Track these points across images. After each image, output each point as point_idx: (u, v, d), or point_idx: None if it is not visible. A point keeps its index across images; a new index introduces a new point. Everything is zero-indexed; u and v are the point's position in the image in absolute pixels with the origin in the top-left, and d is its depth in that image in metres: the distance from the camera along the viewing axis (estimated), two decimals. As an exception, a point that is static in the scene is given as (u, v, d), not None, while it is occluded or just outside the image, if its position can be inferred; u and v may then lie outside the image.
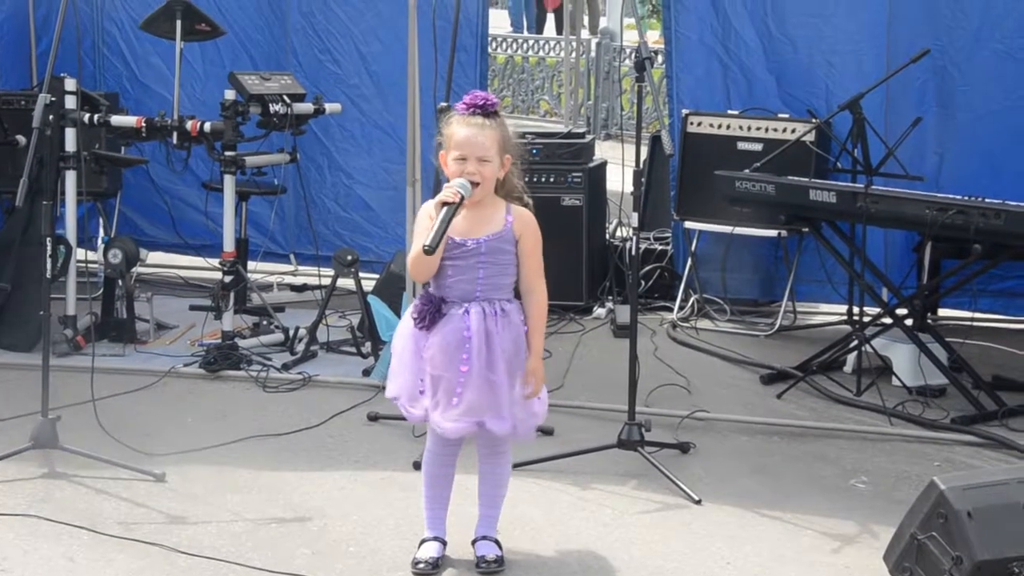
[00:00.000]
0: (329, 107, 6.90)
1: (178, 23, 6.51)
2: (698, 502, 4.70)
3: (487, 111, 3.98)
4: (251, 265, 7.31)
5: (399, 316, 5.26)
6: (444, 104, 5.49)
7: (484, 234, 4.00)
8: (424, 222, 3.97)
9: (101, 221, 7.70)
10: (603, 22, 15.80)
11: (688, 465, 5.07)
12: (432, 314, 3.99)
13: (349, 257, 6.47)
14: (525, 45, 16.06)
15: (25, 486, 4.74)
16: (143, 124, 6.41)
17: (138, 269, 6.82)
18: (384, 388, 4.29)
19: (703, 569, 4.20)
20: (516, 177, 4.09)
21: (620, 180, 7.57)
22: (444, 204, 3.87)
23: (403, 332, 4.11)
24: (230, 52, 7.73)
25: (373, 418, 5.49)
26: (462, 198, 3.88)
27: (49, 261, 4.99)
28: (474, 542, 4.19)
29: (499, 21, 17.32)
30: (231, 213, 6.43)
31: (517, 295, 4.10)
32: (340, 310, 6.97)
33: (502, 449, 4.17)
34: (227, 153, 6.38)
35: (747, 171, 6.28)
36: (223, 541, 4.32)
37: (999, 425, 5.54)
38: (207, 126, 6.36)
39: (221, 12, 7.52)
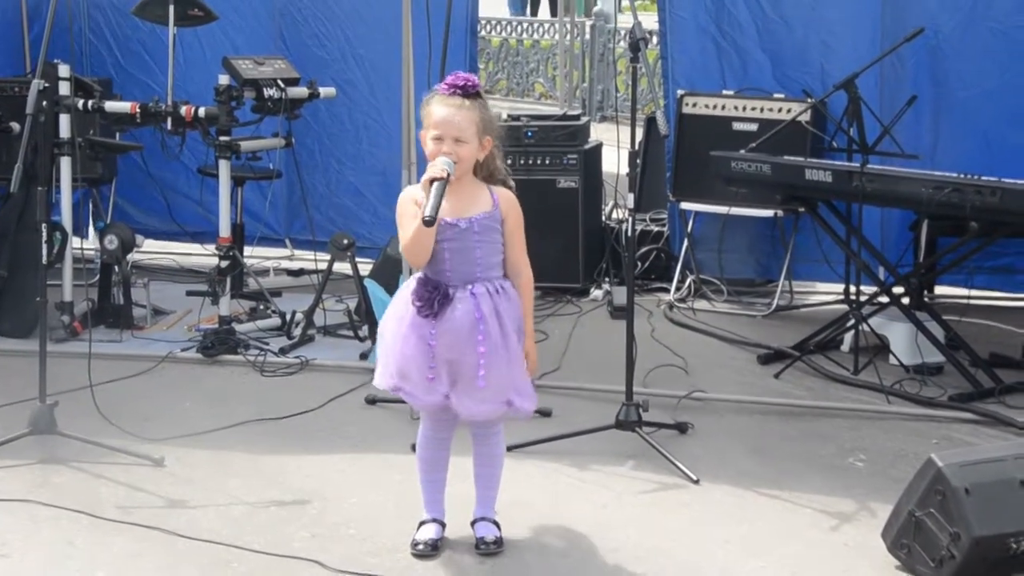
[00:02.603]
0: (323, 91, 6.88)
1: (171, 8, 6.49)
2: (696, 482, 4.71)
3: (467, 92, 3.97)
4: (247, 250, 7.30)
5: (396, 299, 5.24)
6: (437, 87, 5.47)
7: (474, 214, 4.00)
8: (409, 208, 3.96)
9: (93, 207, 7.68)
10: (597, 4, 15.77)
11: (686, 445, 5.08)
12: (440, 300, 3.97)
13: (345, 241, 6.46)
14: (520, 28, 16.04)
15: (23, 472, 4.74)
16: (137, 110, 6.39)
17: (134, 255, 6.81)
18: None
19: (701, 548, 4.21)
20: (498, 160, 4.09)
21: (616, 162, 7.58)
22: (434, 180, 3.88)
23: (398, 320, 4.05)
24: (210, 38, 7.65)
25: (371, 401, 5.49)
26: (448, 174, 3.89)
27: (45, 247, 4.99)
28: (473, 523, 4.20)
29: (496, 6, 17.28)
30: (226, 198, 6.42)
31: None
32: (337, 294, 6.96)
33: (495, 429, 4.18)
34: (222, 138, 6.37)
35: (743, 151, 6.27)
36: (222, 524, 4.33)
37: (996, 402, 5.55)
38: (202, 111, 6.34)
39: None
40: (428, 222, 3.83)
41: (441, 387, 3.99)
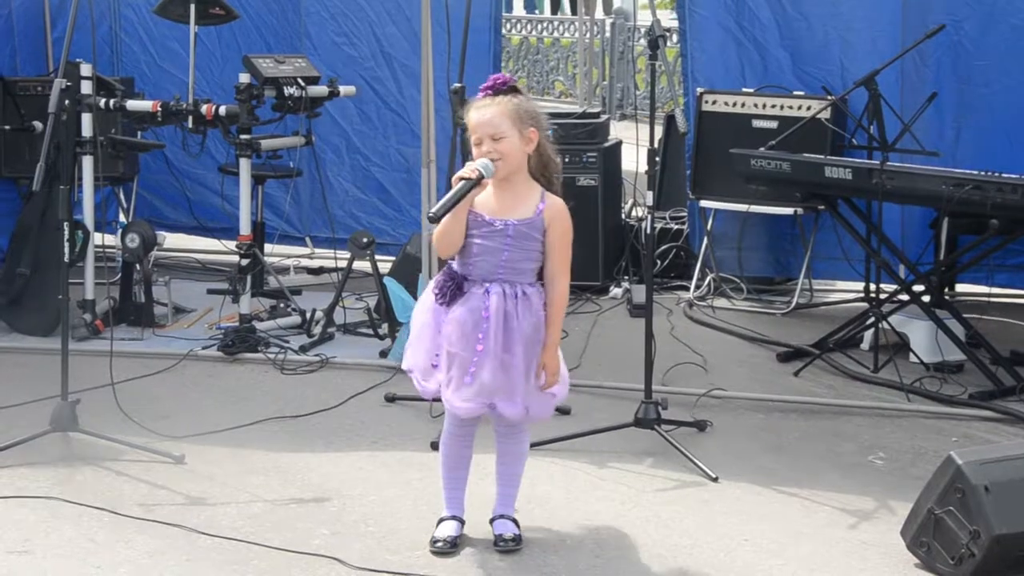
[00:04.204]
0: (343, 89, 6.90)
1: (192, 7, 6.52)
2: (715, 480, 4.71)
3: (497, 90, 3.98)
4: (267, 248, 7.34)
5: (415, 298, 5.27)
6: (457, 85, 5.49)
7: (513, 217, 3.99)
8: None
9: (119, 205, 7.73)
10: (617, 2, 15.77)
11: (705, 443, 5.08)
12: (453, 290, 3.99)
13: (365, 239, 6.48)
14: (540, 26, 16.04)
15: (45, 469, 4.77)
16: (159, 108, 6.42)
17: (156, 253, 6.84)
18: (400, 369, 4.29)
19: (720, 546, 4.21)
20: (549, 150, 4.03)
21: (635, 160, 7.57)
22: (462, 179, 3.89)
23: (424, 306, 4.11)
24: (245, 36, 7.75)
25: (390, 399, 5.51)
26: (480, 176, 3.90)
27: (67, 246, 5.01)
28: (492, 520, 4.21)
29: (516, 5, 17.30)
30: (247, 196, 6.45)
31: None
32: (357, 292, 6.98)
33: (519, 429, 4.18)
34: (242, 136, 6.39)
35: (762, 149, 6.26)
36: (242, 522, 4.35)
37: (1017, 400, 5.52)
38: (222, 110, 6.37)
39: (234, -5, 7.54)
40: (432, 218, 3.87)
41: (440, 376, 4.03)
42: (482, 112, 3.96)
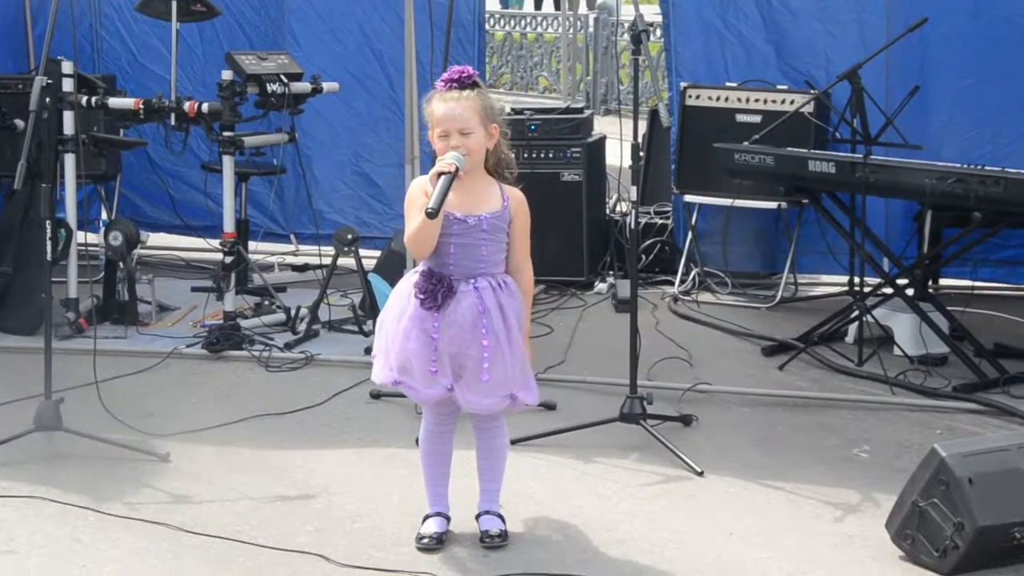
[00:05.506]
0: (327, 86, 6.88)
1: (173, 4, 6.49)
2: (701, 474, 4.71)
3: (464, 83, 3.98)
4: (252, 245, 7.32)
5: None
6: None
7: (484, 212, 4.00)
8: (418, 199, 3.96)
9: (102, 203, 7.71)
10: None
11: (690, 437, 5.08)
12: (443, 293, 3.97)
13: (349, 236, 6.47)
14: (523, 21, 16.04)
15: (30, 468, 4.75)
16: (141, 106, 6.40)
17: (139, 251, 6.82)
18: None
19: (706, 540, 4.21)
20: (504, 147, 4.08)
21: (619, 155, 7.57)
22: (441, 174, 3.88)
23: (399, 314, 4.04)
24: (228, 33, 7.74)
25: (375, 396, 5.50)
26: (457, 169, 3.89)
27: (49, 244, 4.99)
28: (477, 516, 4.21)
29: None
30: (231, 194, 6.43)
31: None
32: (341, 289, 6.97)
33: (497, 422, 4.18)
34: (225, 134, 6.37)
35: (746, 143, 6.27)
36: (228, 519, 4.34)
37: (1001, 392, 5.54)
38: (205, 107, 6.34)
39: (217, -8, 7.52)
40: (430, 214, 3.84)
41: (444, 380, 3.99)
42: (451, 106, 3.95)
